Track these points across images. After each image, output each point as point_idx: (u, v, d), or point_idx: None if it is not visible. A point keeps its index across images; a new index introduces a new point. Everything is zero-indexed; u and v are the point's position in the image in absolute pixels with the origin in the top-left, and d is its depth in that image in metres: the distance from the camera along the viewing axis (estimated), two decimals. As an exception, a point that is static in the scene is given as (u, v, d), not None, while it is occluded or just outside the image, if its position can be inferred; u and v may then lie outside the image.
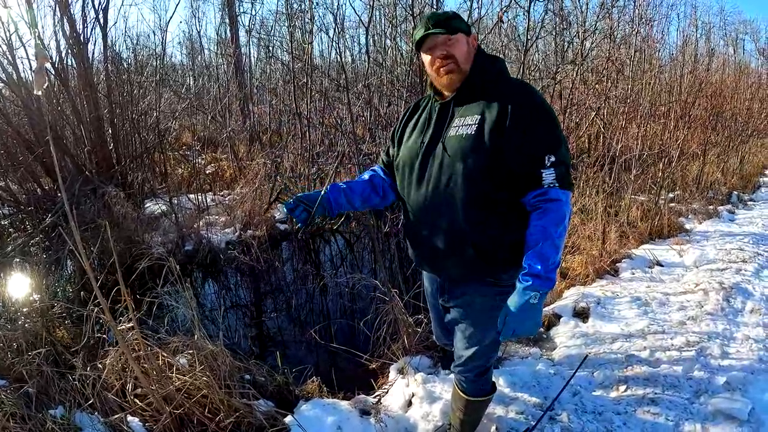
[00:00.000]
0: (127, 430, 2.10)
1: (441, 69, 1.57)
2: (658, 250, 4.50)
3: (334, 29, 7.37)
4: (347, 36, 8.71)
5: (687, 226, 5.41)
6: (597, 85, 6.07)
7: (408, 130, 1.75)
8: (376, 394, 2.63)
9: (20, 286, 3.78)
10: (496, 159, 1.48)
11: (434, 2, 5.42)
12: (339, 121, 6.86)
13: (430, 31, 1.52)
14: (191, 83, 11.04)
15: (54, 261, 4.50)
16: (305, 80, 6.80)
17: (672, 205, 5.86)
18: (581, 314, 3.35)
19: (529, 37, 4.01)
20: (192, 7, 13.86)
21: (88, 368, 2.30)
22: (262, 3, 28.56)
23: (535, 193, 1.47)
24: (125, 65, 6.67)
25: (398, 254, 5.12)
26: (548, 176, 1.45)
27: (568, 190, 1.47)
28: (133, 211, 5.13)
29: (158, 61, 7.40)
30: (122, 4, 9.51)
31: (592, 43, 5.82)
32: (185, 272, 4.65)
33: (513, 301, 1.45)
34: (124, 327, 2.29)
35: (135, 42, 7.66)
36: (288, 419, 2.27)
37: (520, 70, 4.18)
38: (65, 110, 5.65)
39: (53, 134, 4.32)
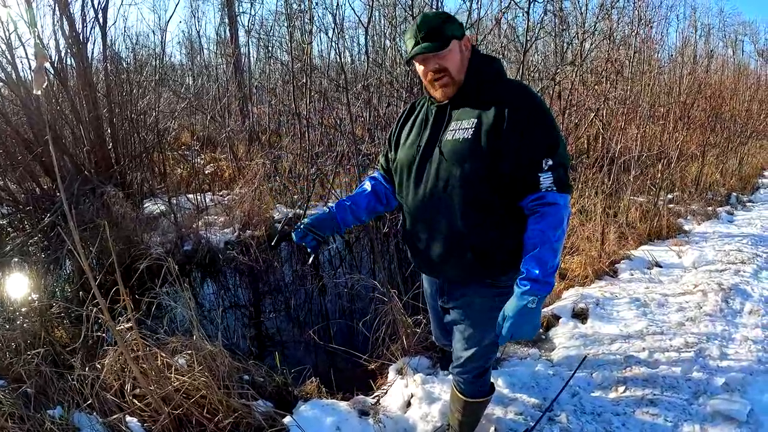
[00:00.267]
0: (125, 431, 2.10)
1: (435, 82, 1.56)
2: (657, 251, 4.50)
3: (334, 29, 7.36)
4: (346, 36, 8.72)
5: (686, 227, 5.41)
6: (596, 86, 6.08)
7: (405, 132, 1.74)
8: (375, 394, 2.63)
9: (19, 285, 3.78)
10: (493, 163, 1.48)
11: (433, 2, 5.42)
12: (338, 122, 6.86)
13: (421, 49, 1.49)
14: (190, 83, 11.03)
15: (53, 261, 4.50)
16: (304, 80, 6.80)
17: (671, 206, 5.86)
18: (580, 315, 3.35)
19: (528, 38, 4.01)
20: (191, 6, 13.91)
21: (87, 368, 2.30)
22: (262, 3, 28.56)
23: (533, 197, 1.46)
24: (124, 65, 6.67)
25: (397, 255, 5.13)
26: (546, 180, 1.44)
27: (566, 192, 1.47)
28: (132, 211, 5.13)
29: (157, 61, 7.40)
30: (122, 4, 9.46)
31: (591, 44, 5.82)
32: (184, 272, 4.65)
33: (511, 306, 1.45)
34: (122, 327, 2.29)
35: (134, 42, 7.67)
36: (287, 420, 2.26)
37: (519, 70, 4.18)
38: (64, 110, 5.65)
39: (52, 134, 4.32)
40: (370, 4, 6.44)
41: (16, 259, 4.44)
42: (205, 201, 6.35)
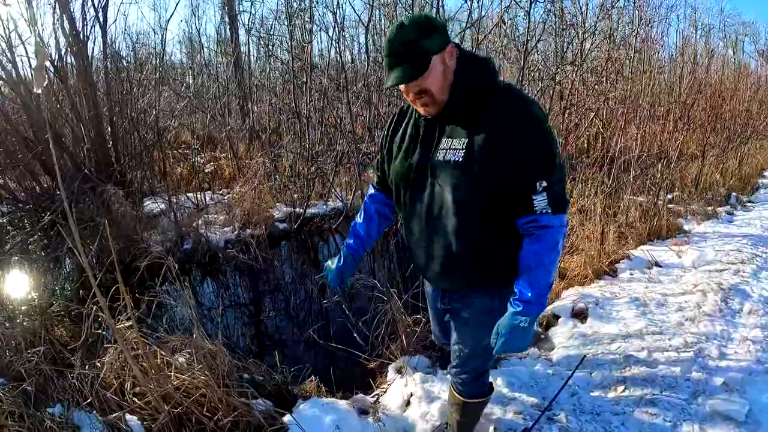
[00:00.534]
0: (125, 429, 2.10)
1: (416, 101, 1.48)
2: (656, 251, 4.50)
3: (334, 28, 7.35)
4: (347, 35, 8.71)
5: (686, 227, 5.41)
6: (596, 86, 6.07)
7: (396, 142, 1.68)
8: (375, 393, 2.63)
9: (19, 284, 3.79)
10: (485, 186, 1.44)
11: (434, 1, 5.41)
12: (338, 120, 6.87)
13: (395, 80, 1.38)
14: (191, 82, 11.01)
15: (53, 259, 4.50)
16: (305, 79, 6.79)
17: (671, 206, 5.86)
18: (579, 315, 3.36)
19: (529, 38, 4.01)
20: (192, 5, 13.83)
21: (87, 367, 2.30)
22: (262, 2, 28.57)
23: (527, 219, 1.44)
24: (125, 63, 6.65)
25: (397, 254, 5.13)
26: (540, 202, 1.40)
27: (561, 213, 1.43)
28: (132, 210, 5.13)
29: (158, 60, 7.39)
30: (122, 2, 9.43)
31: (591, 44, 5.82)
32: (184, 271, 4.65)
33: (504, 323, 1.46)
34: (122, 325, 2.29)
35: (135, 40, 7.64)
36: (286, 418, 2.27)
37: (520, 71, 4.18)
38: (64, 108, 5.64)
39: (52, 132, 4.32)
40: (371, 2, 6.42)
41: (16, 258, 4.45)
42: (205, 200, 6.35)
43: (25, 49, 5.14)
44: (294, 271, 5.24)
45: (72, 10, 5.17)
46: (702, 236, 5.11)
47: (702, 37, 13.64)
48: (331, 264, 1.93)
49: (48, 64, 4.93)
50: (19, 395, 2.12)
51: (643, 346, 2.86)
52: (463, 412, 1.95)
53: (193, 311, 2.50)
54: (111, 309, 2.03)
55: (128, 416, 2.16)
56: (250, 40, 10.14)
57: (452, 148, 1.46)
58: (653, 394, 2.43)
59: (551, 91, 4.75)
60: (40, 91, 1.45)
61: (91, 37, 5.41)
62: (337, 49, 7.12)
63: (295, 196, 6.55)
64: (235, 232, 5.56)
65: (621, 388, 2.51)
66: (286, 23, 7.34)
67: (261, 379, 2.59)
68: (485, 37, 5.21)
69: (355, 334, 3.19)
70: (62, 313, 3.14)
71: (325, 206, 6.81)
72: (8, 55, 4.95)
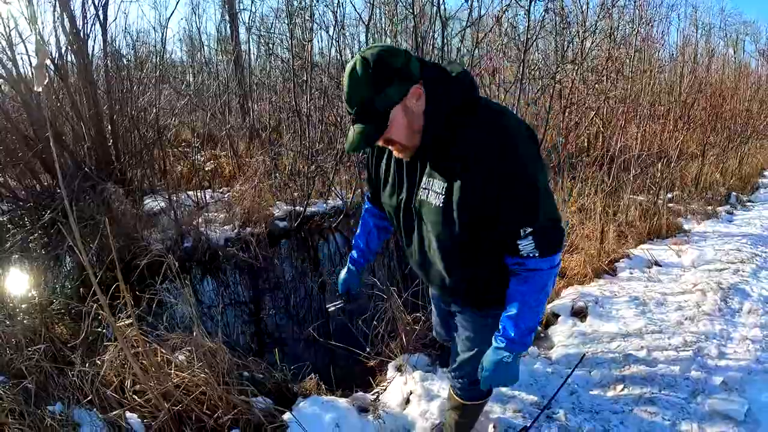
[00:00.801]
0: (125, 427, 2.10)
1: (388, 148, 1.40)
2: (656, 250, 4.50)
3: (334, 27, 7.35)
4: (347, 34, 8.69)
5: (685, 227, 5.41)
6: (597, 85, 6.07)
7: (382, 168, 1.58)
8: (375, 391, 2.64)
9: (19, 282, 3.79)
10: (466, 233, 1.36)
11: (434, 0, 5.41)
12: (338, 119, 6.86)
13: (351, 147, 1.27)
14: (191, 80, 11.01)
15: (53, 257, 4.50)
16: (305, 78, 6.79)
17: (671, 205, 5.86)
18: (579, 313, 3.36)
19: (529, 37, 4.00)
20: (192, 3, 13.89)
21: (87, 364, 2.31)
22: (263, 0, 28.54)
23: (514, 261, 1.36)
24: (125, 62, 6.65)
25: (396, 252, 5.13)
26: (526, 246, 1.31)
27: (550, 255, 1.33)
28: (132, 208, 5.14)
29: (158, 58, 7.38)
30: (122, 1, 9.46)
31: (592, 43, 5.82)
32: (184, 269, 4.65)
33: (488, 358, 1.44)
34: (123, 323, 2.30)
35: (135, 38, 7.63)
36: (286, 416, 2.27)
37: (520, 69, 4.18)
38: (65, 106, 5.64)
39: (53, 130, 4.31)
40: (371, 1, 6.43)
41: (17, 256, 4.45)
42: (206, 198, 6.36)
43: (26, 47, 5.15)
44: (294, 270, 5.25)
45: (72, 8, 5.17)
46: (702, 235, 5.11)
47: (702, 37, 13.66)
48: (341, 275, 1.99)
49: (48, 62, 4.93)
50: (20, 393, 2.13)
51: (642, 345, 2.87)
52: (462, 413, 1.95)
53: (193, 309, 2.50)
54: (111, 307, 2.04)
55: (128, 414, 2.16)
56: (251, 39, 10.14)
57: (433, 190, 1.36)
58: (652, 393, 2.44)
59: (551, 90, 4.74)
60: (40, 90, 1.45)
61: (91, 35, 5.41)
62: (338, 48, 7.12)
63: (296, 194, 6.55)
64: (235, 231, 5.56)
65: (620, 386, 2.51)
66: (286, 21, 7.34)
67: (261, 377, 2.60)
68: (485, 35, 5.21)
69: (355, 332, 3.20)
70: (62, 311, 3.14)
71: (325, 205, 6.82)
72: (8, 53, 4.95)
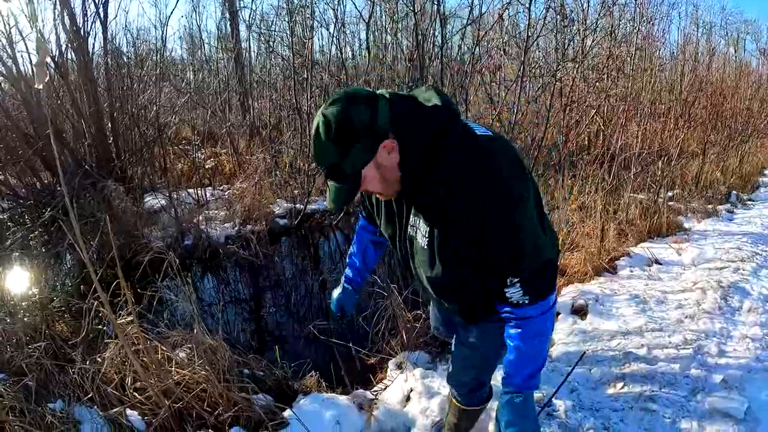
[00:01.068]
0: (126, 424, 2.11)
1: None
2: (656, 249, 4.50)
3: (335, 24, 7.35)
4: (348, 31, 8.69)
5: (686, 225, 5.41)
6: (597, 83, 6.07)
7: (373, 198, 1.53)
8: (375, 389, 2.64)
9: (20, 279, 3.79)
10: (454, 275, 1.34)
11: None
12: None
13: (332, 207, 1.27)
14: (191, 78, 11.00)
15: (53, 255, 4.51)
16: (305, 75, 6.79)
17: (671, 203, 5.86)
18: (579, 311, 3.36)
19: (530, 35, 4.00)
20: (192, 1, 13.83)
21: (88, 362, 2.31)
22: (263, -2, 28.48)
23: (504, 308, 1.30)
24: (125, 59, 6.65)
25: (397, 250, 5.12)
26: (514, 294, 1.24)
27: (541, 301, 1.25)
28: (132, 206, 5.14)
29: (158, 56, 7.38)
30: (122, -2, 9.52)
31: (593, 41, 5.81)
32: (184, 267, 4.65)
33: (501, 410, 1.34)
34: (123, 321, 2.30)
35: (135, 36, 7.64)
36: (287, 413, 2.27)
37: (520, 67, 4.18)
38: (65, 104, 5.64)
39: (53, 128, 4.30)
40: (372, -1, 6.43)
41: (17, 254, 4.46)
42: (206, 195, 6.36)
43: (26, 45, 5.15)
44: (294, 267, 5.25)
45: (72, 6, 5.17)
46: (702, 234, 5.11)
47: (703, 35, 13.63)
48: (335, 294, 1.92)
49: (49, 59, 4.93)
50: (20, 390, 2.13)
51: (642, 343, 2.87)
52: (461, 417, 1.93)
53: (193, 306, 2.50)
54: (112, 304, 2.04)
55: (129, 411, 2.16)
56: (251, 36, 10.15)
57: (420, 229, 1.32)
58: (652, 391, 2.44)
59: (552, 88, 4.74)
60: (41, 87, 1.45)
61: (91, 33, 5.41)
62: (338, 46, 7.11)
63: (296, 192, 6.55)
64: (236, 228, 5.56)
65: (620, 384, 2.51)
66: (286, 19, 7.33)
67: (261, 375, 2.60)
68: (486, 33, 5.20)
69: (356, 330, 3.20)
70: (63, 308, 3.15)
71: (325, 202, 6.80)
72: (9, 51, 4.95)
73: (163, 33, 7.43)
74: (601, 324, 3.15)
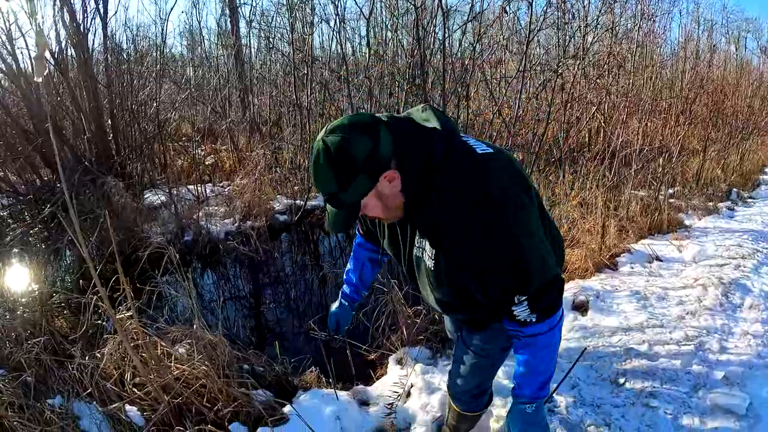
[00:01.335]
0: (125, 419, 2.10)
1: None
2: (657, 245, 4.50)
3: (335, 20, 7.32)
4: (348, 27, 8.65)
5: (686, 222, 5.41)
6: (598, 80, 6.05)
7: (375, 220, 1.50)
8: (375, 384, 2.63)
9: (19, 275, 3.78)
10: (460, 295, 1.34)
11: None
12: (339, 113, 6.83)
13: (332, 230, 1.29)
14: (191, 74, 10.97)
15: (53, 251, 4.50)
16: (305, 71, 6.77)
17: (672, 200, 5.85)
18: (580, 307, 3.36)
19: (531, 29, 3.98)
20: (192, -3, 13.77)
21: (87, 357, 2.31)
22: (263, -6, 28.42)
23: (511, 327, 1.29)
24: (125, 56, 6.63)
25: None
26: (522, 313, 1.23)
27: (550, 317, 1.25)
28: (132, 202, 5.13)
29: (158, 52, 7.36)
30: (122, -5, 9.50)
31: (593, 38, 5.79)
32: (184, 263, 4.63)
33: (511, 419, 1.36)
34: (123, 316, 2.29)
35: (135, 32, 7.60)
36: (287, 409, 2.27)
37: (521, 63, 4.16)
38: (65, 101, 5.64)
39: (53, 124, 4.30)
40: (372, -5, 6.41)
41: (17, 250, 4.45)
42: (206, 192, 6.34)
43: (25, 41, 5.13)
44: (294, 263, 5.25)
45: (72, 2, 5.17)
46: (703, 231, 5.10)
47: (704, 33, 13.59)
48: (332, 309, 1.93)
49: (48, 56, 4.92)
50: (20, 386, 2.13)
51: (643, 339, 2.86)
52: (460, 420, 1.92)
53: (193, 302, 2.49)
54: (111, 300, 2.03)
55: (128, 407, 2.16)
56: (251, 33, 10.12)
57: (426, 251, 1.31)
58: (654, 387, 2.43)
59: (553, 84, 4.73)
60: (40, 80, 1.44)
61: (91, 29, 5.41)
62: (338, 41, 7.09)
63: (296, 188, 6.55)
64: (236, 224, 5.56)
65: (621, 380, 2.51)
66: (286, 15, 7.31)
67: (261, 370, 2.59)
68: (487, 28, 5.18)
69: (356, 326, 3.19)
70: (62, 304, 3.14)
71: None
72: (8, 47, 4.94)
73: (162, 29, 7.38)
74: (602, 320, 3.15)
